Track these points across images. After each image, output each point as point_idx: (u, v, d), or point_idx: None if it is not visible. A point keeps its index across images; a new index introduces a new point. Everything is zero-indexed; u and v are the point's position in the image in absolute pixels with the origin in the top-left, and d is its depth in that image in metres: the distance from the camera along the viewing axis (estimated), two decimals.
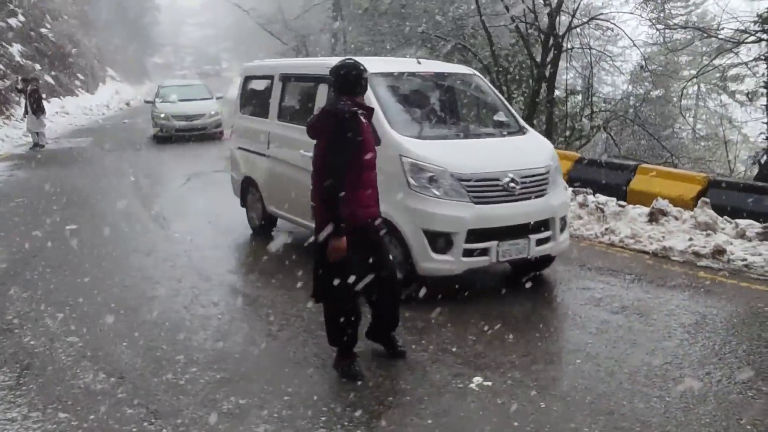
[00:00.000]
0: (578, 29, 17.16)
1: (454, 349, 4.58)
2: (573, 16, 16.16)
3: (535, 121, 15.91)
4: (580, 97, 20.55)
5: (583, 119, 18.34)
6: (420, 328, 4.95)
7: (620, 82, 28.49)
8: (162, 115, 17.98)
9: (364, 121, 4.08)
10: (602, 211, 8.16)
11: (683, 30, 21.72)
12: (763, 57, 13.09)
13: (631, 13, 17.04)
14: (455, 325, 4.99)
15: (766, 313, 5.41)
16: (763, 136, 14.37)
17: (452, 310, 5.22)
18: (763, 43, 12.98)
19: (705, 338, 4.84)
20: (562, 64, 17.78)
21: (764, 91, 14.99)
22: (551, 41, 15.91)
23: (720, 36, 13.56)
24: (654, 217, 7.73)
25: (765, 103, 13.05)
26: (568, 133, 17.68)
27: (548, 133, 16.29)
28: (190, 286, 6.01)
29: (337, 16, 28.79)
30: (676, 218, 7.62)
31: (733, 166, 22.54)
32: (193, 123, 17.90)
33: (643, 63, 18.98)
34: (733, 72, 22.44)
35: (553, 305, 5.72)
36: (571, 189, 8.62)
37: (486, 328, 4.91)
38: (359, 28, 27.15)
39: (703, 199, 7.59)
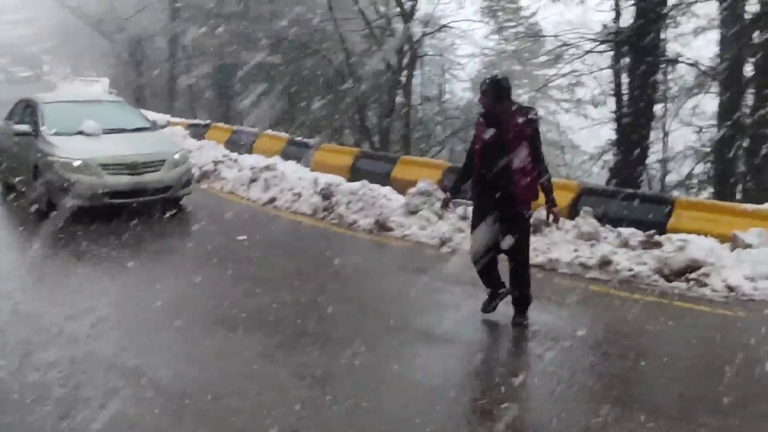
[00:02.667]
0: (429, 36, 17.23)
1: None
2: (427, 23, 16.13)
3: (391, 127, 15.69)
4: (430, 104, 20.73)
5: (437, 126, 18.44)
6: None
7: (465, 90, 29.32)
8: (75, 164, 8.02)
9: None
10: None
11: (520, 40, 22.69)
12: (609, 66, 13.72)
13: (479, 21, 17.38)
14: None
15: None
16: (610, 141, 15.09)
17: None
18: (607, 54, 13.61)
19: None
20: (416, 71, 17.76)
21: (603, 99, 15.83)
22: (405, 47, 15.76)
23: (567, 44, 14.02)
24: (537, 228, 7.50)
25: (614, 109, 13.69)
26: (423, 144, 17.69)
27: (406, 140, 16.12)
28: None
29: (175, 17, 26.96)
30: (559, 228, 7.45)
31: (569, 171, 23.88)
32: (144, 179, 8.29)
33: (485, 70, 19.47)
34: (563, 81, 23.82)
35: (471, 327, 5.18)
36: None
37: None
38: (200, 30, 25.54)
39: (585, 208, 7.49)
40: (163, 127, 10.19)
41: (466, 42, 18.50)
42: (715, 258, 6.75)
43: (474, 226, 5.15)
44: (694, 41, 18.74)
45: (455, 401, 3.99)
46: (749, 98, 11.98)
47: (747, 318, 5.55)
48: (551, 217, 5.05)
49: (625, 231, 7.20)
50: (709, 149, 14.79)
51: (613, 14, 14.18)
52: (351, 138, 17.95)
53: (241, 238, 7.57)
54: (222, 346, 4.63)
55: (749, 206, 7.87)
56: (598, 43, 13.34)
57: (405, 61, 15.45)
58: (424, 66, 20.72)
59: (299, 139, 13.00)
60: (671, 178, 17.76)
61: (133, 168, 8.12)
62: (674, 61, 13.73)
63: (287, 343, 4.65)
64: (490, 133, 4.92)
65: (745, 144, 11.79)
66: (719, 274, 6.58)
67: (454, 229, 7.84)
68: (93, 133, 8.54)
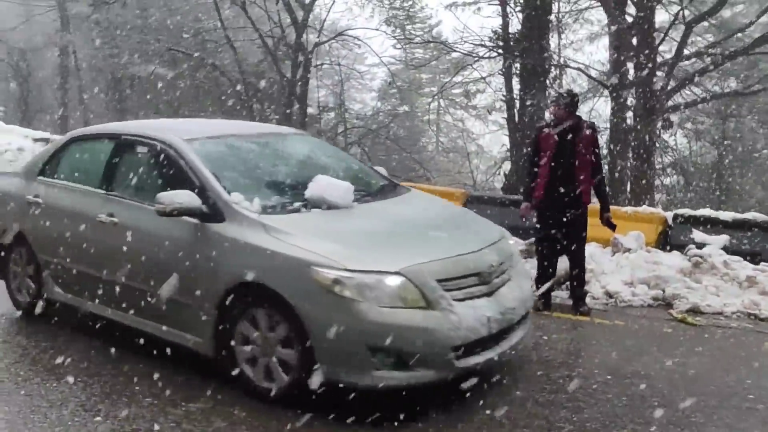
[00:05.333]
0: (327, 46, 16.91)
1: None
2: (320, 32, 15.79)
3: None
4: (333, 114, 20.43)
5: (338, 136, 18.11)
6: None
7: (369, 99, 29.23)
8: (389, 283, 3.49)
9: None
10: None
11: (424, 48, 22.76)
12: (501, 72, 13.80)
13: (376, 30, 17.20)
14: None
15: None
16: (505, 148, 15.19)
17: None
18: (498, 59, 13.69)
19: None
20: (313, 81, 17.38)
21: (500, 104, 15.94)
22: (300, 57, 15.37)
23: (460, 51, 14.05)
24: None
25: (504, 116, 13.77)
26: None
27: None
28: None
29: (64, 29, 25.47)
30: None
31: (475, 176, 24.14)
32: (505, 301, 3.86)
33: (390, 80, 19.34)
34: (471, 87, 24.11)
35: None
36: None
37: None
38: (91, 42, 24.23)
39: None
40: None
41: (366, 51, 18.29)
42: (595, 264, 6.70)
43: (542, 229, 5.73)
44: (587, 47, 19.36)
45: None
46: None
47: (623, 327, 5.45)
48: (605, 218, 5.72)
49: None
50: (605, 151, 15.11)
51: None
52: None
53: None
54: None
55: (629, 209, 7.93)
56: (487, 50, 13.38)
57: (299, 72, 15.07)
58: (335, 76, 20.49)
59: None
60: None
61: (486, 280, 3.82)
62: (563, 67, 13.96)
63: None
64: (563, 142, 5.51)
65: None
66: (599, 281, 6.52)
67: None
68: (341, 204, 4.11)
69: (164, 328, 4.13)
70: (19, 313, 5.22)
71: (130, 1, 19.90)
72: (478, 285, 3.74)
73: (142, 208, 4.28)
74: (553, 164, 5.55)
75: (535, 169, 5.68)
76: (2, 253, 5.32)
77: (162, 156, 4.33)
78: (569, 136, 5.50)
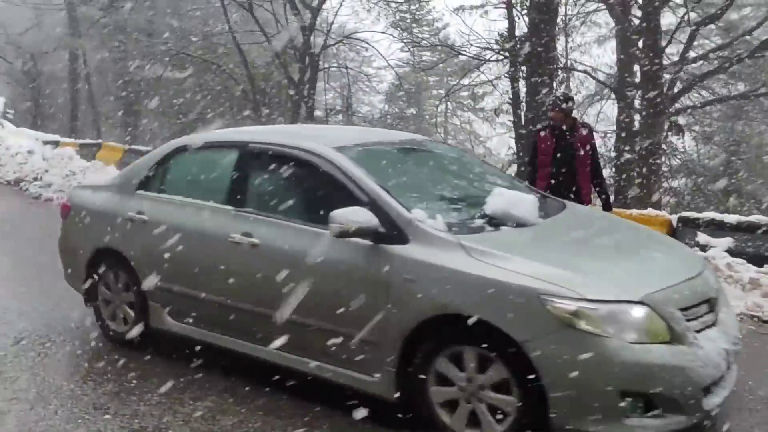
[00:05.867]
0: (334, 49, 17.01)
1: None
2: (327, 35, 15.87)
3: None
4: (340, 117, 20.51)
5: None
6: None
7: (377, 102, 29.32)
8: (634, 313, 3.00)
9: None
10: None
11: (431, 51, 22.82)
12: (507, 75, 13.84)
13: (383, 33, 17.27)
14: None
15: None
16: (512, 151, 15.21)
17: None
18: (505, 62, 13.73)
19: None
20: (321, 84, 17.48)
21: (508, 107, 15.94)
22: (307, 60, 15.46)
23: (467, 54, 14.10)
24: None
25: (511, 119, 13.83)
26: None
27: None
28: None
29: (74, 32, 25.67)
30: None
31: None
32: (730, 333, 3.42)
33: (398, 82, 19.41)
34: (478, 90, 24.17)
35: None
36: None
37: None
38: (102, 45, 24.40)
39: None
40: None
41: (374, 54, 18.36)
42: None
43: None
44: (596, 50, 19.35)
45: None
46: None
47: None
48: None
49: None
50: (614, 154, 15.10)
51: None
52: None
53: None
54: None
55: (634, 211, 7.96)
56: (494, 53, 13.43)
57: (307, 75, 15.18)
58: (342, 79, 20.56)
59: None
60: None
61: (714, 307, 3.43)
62: (570, 70, 13.99)
63: None
64: (561, 143, 5.72)
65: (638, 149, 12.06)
66: None
67: None
68: (530, 220, 3.64)
69: (326, 365, 3.57)
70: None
71: (139, 4, 20.10)
72: (709, 313, 3.29)
73: (289, 227, 3.69)
74: (552, 166, 5.72)
75: (536, 172, 5.86)
76: (93, 277, 4.63)
77: (310, 167, 3.75)
78: (567, 138, 5.73)
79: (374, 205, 3.40)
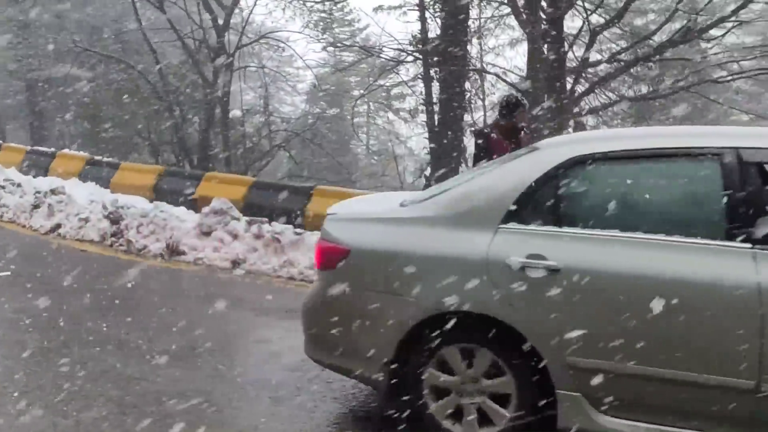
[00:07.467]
0: (251, 48, 16.76)
1: None
2: (242, 33, 15.64)
3: (213, 142, 15.07)
4: (257, 117, 20.26)
5: (262, 140, 17.98)
6: None
7: (299, 102, 29.11)
8: None
9: None
10: (279, 241, 7.51)
11: (351, 51, 22.83)
12: (419, 76, 14.02)
13: (300, 32, 17.16)
14: None
15: None
16: (426, 150, 15.42)
17: None
18: (420, 63, 13.91)
19: None
20: (238, 84, 17.19)
21: (423, 108, 16.17)
22: (221, 59, 15.18)
23: (381, 56, 14.21)
24: None
25: (425, 119, 14.02)
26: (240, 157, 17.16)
27: (227, 155, 15.55)
28: None
29: None
30: None
31: (402, 178, 24.40)
32: None
33: (316, 83, 19.34)
34: (396, 91, 24.41)
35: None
36: (245, 219, 7.88)
37: None
38: (3, 42, 23.16)
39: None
40: None
41: (293, 55, 18.23)
42: None
43: None
44: (509, 52, 19.87)
45: None
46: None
47: None
48: None
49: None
50: None
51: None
52: (172, 157, 17.02)
53: (3, 274, 6.70)
54: None
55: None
56: (407, 54, 13.58)
57: (222, 74, 14.89)
58: (248, 80, 20.36)
59: (99, 158, 12.08)
60: None
61: None
62: (481, 71, 14.28)
63: None
64: (511, 145, 5.97)
65: None
66: None
67: (249, 249, 7.49)
68: None
69: None
70: None
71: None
72: None
73: None
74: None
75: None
76: (408, 357, 3.16)
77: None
78: (518, 138, 6.15)
79: None
